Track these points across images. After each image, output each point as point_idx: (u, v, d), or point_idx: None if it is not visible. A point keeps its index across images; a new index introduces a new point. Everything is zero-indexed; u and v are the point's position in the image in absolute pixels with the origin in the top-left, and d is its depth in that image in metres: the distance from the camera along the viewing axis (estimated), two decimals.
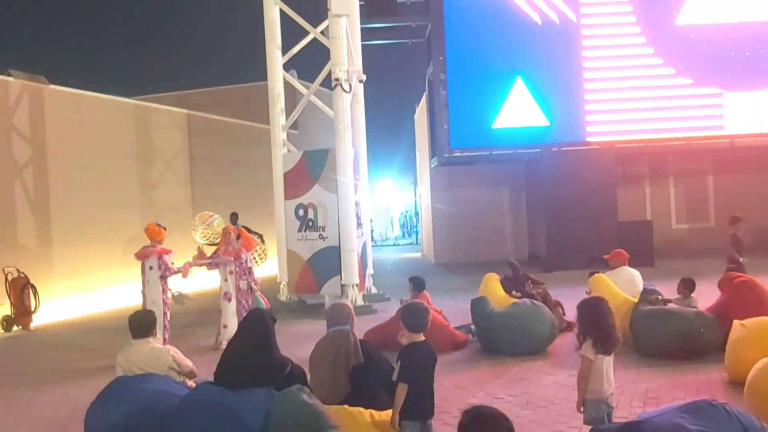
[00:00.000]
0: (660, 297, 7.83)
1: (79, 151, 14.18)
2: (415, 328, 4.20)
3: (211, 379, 4.56)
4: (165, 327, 8.59)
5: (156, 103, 18.21)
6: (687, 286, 7.97)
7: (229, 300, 9.25)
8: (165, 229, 9.04)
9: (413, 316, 4.25)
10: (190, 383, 5.18)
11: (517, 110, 16.43)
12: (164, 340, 8.27)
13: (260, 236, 13.40)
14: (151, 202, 16.05)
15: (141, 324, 5.18)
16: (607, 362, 4.27)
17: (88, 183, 14.27)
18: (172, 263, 8.83)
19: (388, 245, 32.68)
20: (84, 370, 8.26)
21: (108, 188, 14.71)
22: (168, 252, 8.89)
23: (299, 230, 12.17)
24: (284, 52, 13.22)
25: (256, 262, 11.92)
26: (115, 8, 36.87)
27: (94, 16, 35.25)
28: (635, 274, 8.57)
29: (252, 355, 4.35)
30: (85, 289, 13.71)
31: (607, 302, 4.41)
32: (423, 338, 4.23)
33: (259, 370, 4.28)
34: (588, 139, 16.45)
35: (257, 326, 4.47)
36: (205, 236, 11.90)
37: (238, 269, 9.35)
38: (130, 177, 15.60)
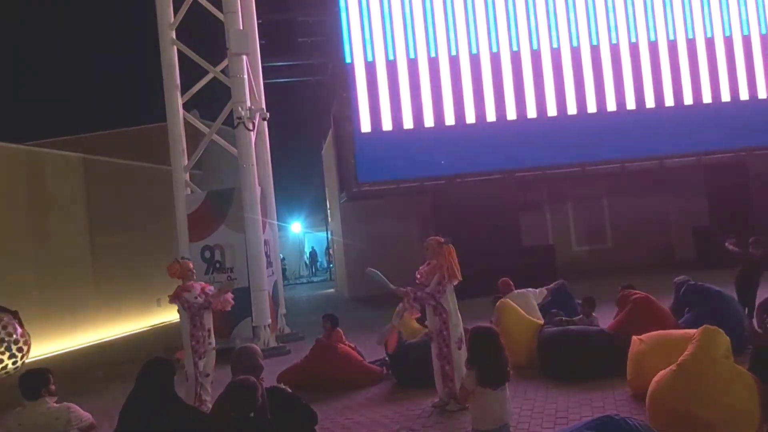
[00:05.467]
0: (563, 318, 8.11)
1: None
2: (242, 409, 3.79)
3: None
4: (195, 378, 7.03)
5: (51, 147, 17.42)
6: (588, 305, 8.31)
7: (460, 347, 6.59)
8: (179, 263, 7.46)
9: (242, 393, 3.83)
10: None
11: (421, 142, 16.79)
12: (195, 393, 6.91)
13: (14, 313, 8.79)
14: (45, 253, 15.19)
15: (32, 384, 4.85)
16: (493, 395, 4.14)
17: None
18: (196, 298, 7.21)
19: (302, 283, 32.33)
20: None
21: None
22: (186, 288, 7.26)
23: (206, 273, 11.81)
24: (184, 91, 13.00)
25: (17, 357, 8.22)
26: (1, 51, 35.16)
27: None
28: (527, 293, 8.92)
29: (150, 408, 4.15)
30: None
31: (497, 335, 4.30)
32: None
33: (160, 423, 4.08)
34: (489, 168, 16.96)
35: (155, 376, 4.27)
36: None
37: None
38: (22, 228, 14.71)
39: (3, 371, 7.61)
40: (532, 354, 7.80)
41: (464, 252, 7.14)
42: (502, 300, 8.56)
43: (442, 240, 6.90)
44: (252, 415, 3.79)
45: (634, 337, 6.73)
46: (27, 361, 8.10)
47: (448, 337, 6.66)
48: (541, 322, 8.11)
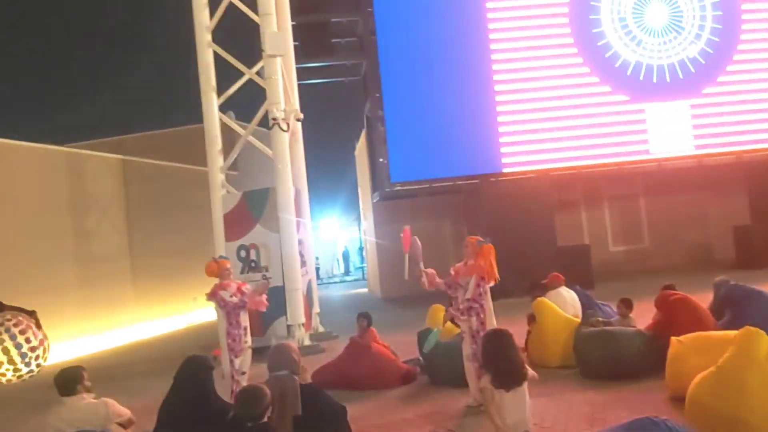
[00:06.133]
0: (600, 318, 8.01)
1: (7, 203, 13.68)
2: (246, 417, 3.75)
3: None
4: (232, 376, 7.14)
5: (91, 149, 17.83)
6: (626, 306, 8.20)
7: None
8: (216, 262, 7.63)
9: (245, 403, 3.77)
10: None
11: (454, 142, 16.70)
12: (231, 391, 6.91)
13: (32, 313, 7.64)
14: (86, 252, 15.55)
15: (68, 380, 4.98)
16: (509, 398, 4.14)
17: (20, 235, 13.74)
18: (231, 297, 7.29)
19: (335, 282, 32.49)
20: None
21: (40, 240, 14.20)
22: (223, 287, 7.38)
23: (242, 272, 11.95)
24: (220, 93, 13.18)
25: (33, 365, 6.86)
26: (43, 55, 36.08)
27: (22, 63, 34.40)
28: (569, 295, 8.78)
29: (189, 405, 4.21)
30: None
31: (510, 337, 4.29)
32: None
33: (198, 420, 4.13)
34: (523, 168, 16.81)
35: (192, 375, 4.33)
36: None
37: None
38: (63, 228, 15.10)
39: (19, 378, 7.11)
40: (568, 353, 7.72)
41: (498, 252, 7.11)
42: (540, 299, 8.48)
43: (482, 239, 6.83)
44: (265, 420, 3.82)
45: (673, 339, 6.61)
46: (46, 364, 7.78)
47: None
48: (579, 321, 8.02)
